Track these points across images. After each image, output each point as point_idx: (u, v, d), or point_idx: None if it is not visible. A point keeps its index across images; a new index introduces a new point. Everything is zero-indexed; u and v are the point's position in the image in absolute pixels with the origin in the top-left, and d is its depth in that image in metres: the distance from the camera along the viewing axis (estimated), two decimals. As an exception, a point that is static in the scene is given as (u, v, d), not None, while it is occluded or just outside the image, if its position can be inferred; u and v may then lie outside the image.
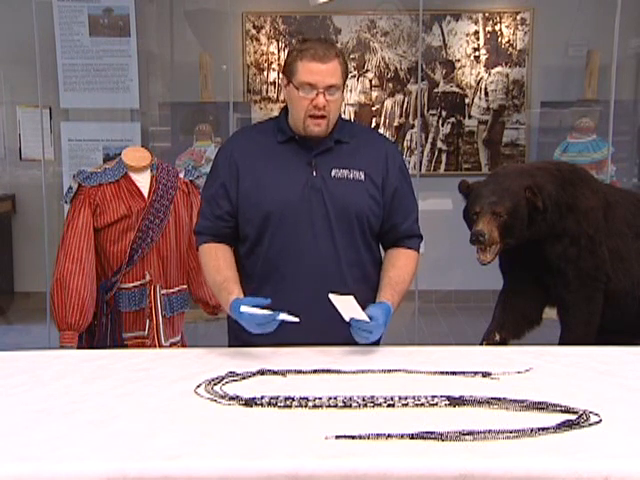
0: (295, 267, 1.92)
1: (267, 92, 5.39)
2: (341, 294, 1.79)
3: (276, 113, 2.04)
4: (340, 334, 1.82)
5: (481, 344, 2.41)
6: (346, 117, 5.39)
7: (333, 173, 1.94)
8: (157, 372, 1.71)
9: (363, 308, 1.79)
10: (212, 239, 2.00)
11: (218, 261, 1.96)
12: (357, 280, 1.94)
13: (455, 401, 1.49)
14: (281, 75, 1.96)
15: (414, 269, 2.02)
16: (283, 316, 1.75)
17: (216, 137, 4.93)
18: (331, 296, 1.78)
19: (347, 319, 1.78)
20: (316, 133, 1.91)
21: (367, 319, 1.77)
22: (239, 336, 1.98)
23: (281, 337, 1.80)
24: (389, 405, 1.48)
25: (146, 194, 2.48)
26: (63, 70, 4.55)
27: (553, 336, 2.46)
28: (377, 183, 1.97)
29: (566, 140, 4.92)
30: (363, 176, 1.95)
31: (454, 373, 1.69)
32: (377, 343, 2.02)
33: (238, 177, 1.96)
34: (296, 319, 1.75)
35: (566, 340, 2.41)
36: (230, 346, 2.03)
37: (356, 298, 1.78)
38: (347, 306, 1.78)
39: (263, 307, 1.77)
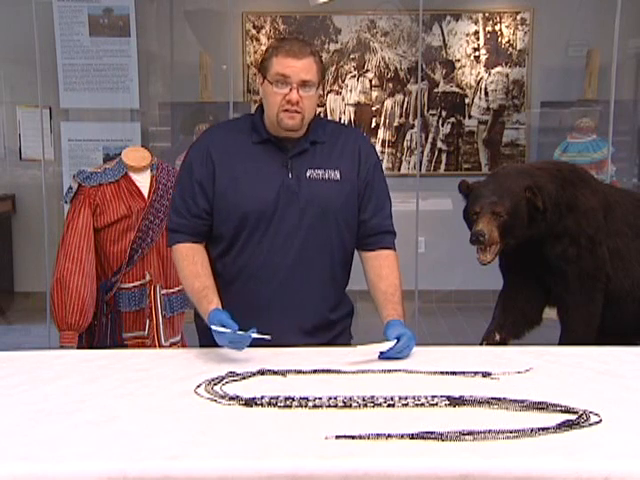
0: (266, 269, 1.91)
1: (267, 92, 5.39)
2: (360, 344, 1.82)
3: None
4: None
5: (481, 344, 2.41)
6: (346, 117, 5.45)
7: (308, 174, 1.92)
8: (157, 372, 1.70)
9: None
10: (189, 238, 1.95)
11: (196, 266, 1.92)
12: (324, 282, 1.96)
13: (455, 401, 1.49)
14: (258, 75, 1.93)
15: (398, 270, 2.00)
16: (255, 335, 1.75)
17: (216, 137, 4.92)
18: (359, 348, 1.80)
19: (385, 349, 1.79)
20: (290, 126, 1.87)
21: (392, 343, 1.79)
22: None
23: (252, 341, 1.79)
24: (389, 405, 1.48)
25: (146, 194, 2.49)
26: (63, 70, 4.55)
27: (553, 336, 2.46)
28: (352, 180, 1.96)
29: (566, 140, 4.91)
30: (339, 175, 1.94)
31: (454, 373, 1.69)
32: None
33: (214, 175, 1.92)
34: (267, 337, 1.75)
35: (566, 340, 2.41)
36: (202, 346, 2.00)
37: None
38: (375, 347, 1.79)
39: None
